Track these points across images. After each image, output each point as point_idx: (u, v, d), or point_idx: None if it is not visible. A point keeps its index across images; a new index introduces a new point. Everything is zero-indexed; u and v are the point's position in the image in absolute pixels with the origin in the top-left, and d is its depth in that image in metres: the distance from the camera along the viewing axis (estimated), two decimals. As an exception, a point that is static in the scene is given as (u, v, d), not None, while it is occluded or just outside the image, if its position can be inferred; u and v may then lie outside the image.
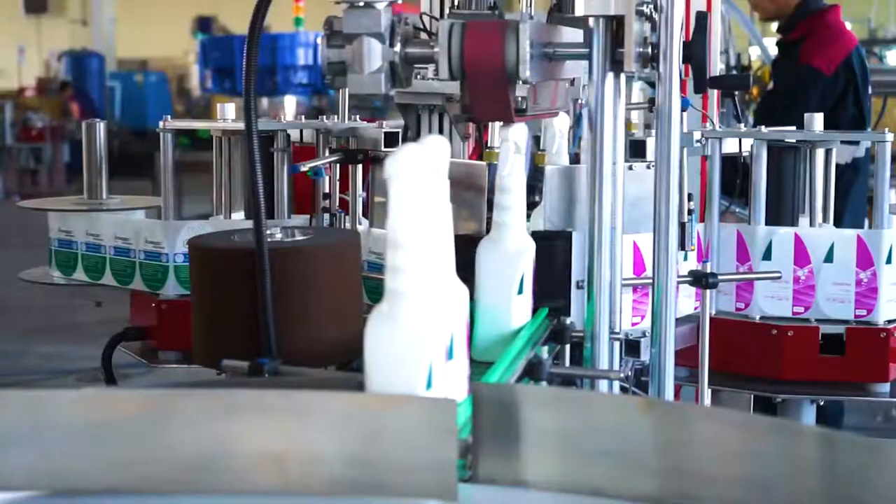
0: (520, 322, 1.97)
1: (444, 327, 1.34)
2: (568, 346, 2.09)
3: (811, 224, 2.77)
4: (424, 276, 1.30)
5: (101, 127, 3.04)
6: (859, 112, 4.48)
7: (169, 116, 2.94)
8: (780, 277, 2.66)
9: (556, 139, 2.68)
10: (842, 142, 3.14)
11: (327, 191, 2.92)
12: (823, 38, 4.51)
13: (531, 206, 2.46)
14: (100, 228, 2.92)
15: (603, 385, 2.07)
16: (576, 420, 1.22)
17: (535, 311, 2.08)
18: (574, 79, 2.47)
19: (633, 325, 2.51)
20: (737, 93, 3.25)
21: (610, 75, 2.01)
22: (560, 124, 2.67)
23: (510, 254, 1.96)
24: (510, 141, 1.95)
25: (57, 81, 20.49)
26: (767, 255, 2.71)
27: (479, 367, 1.76)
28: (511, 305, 1.96)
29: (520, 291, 1.96)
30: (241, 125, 2.81)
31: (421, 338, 1.30)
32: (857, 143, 4.18)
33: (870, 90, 4.63)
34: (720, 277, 2.51)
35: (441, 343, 1.34)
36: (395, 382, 1.30)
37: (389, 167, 1.28)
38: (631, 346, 2.48)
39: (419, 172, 1.29)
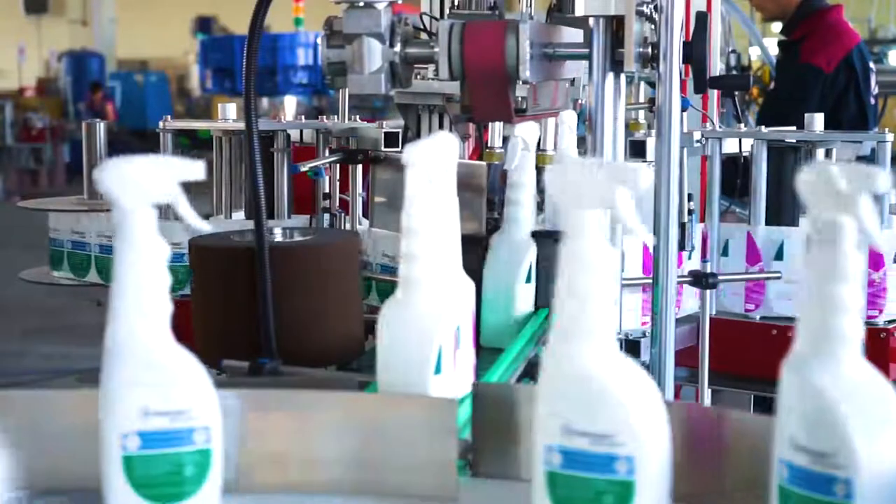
0: (524, 309, 2.02)
1: (453, 314, 1.34)
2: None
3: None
4: (437, 264, 1.31)
5: (101, 127, 3.04)
6: (861, 110, 4.48)
7: (169, 116, 2.94)
8: (780, 277, 2.66)
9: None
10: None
11: (327, 191, 2.92)
12: (824, 36, 4.51)
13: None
14: (100, 228, 2.92)
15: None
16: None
17: (536, 310, 2.07)
18: (574, 79, 2.47)
19: (643, 324, 2.51)
20: (737, 93, 3.25)
21: (610, 75, 2.01)
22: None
23: (521, 243, 2.03)
24: (518, 137, 2.03)
25: (59, 81, 20.48)
26: (779, 256, 2.71)
27: (487, 353, 1.80)
28: (517, 293, 1.99)
29: (528, 280, 2.02)
30: (241, 125, 2.81)
31: (432, 321, 1.30)
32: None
33: (872, 88, 4.62)
34: (720, 277, 2.51)
35: (450, 328, 1.34)
36: (406, 367, 1.29)
37: (408, 156, 1.28)
38: (631, 346, 2.48)
39: (436, 162, 1.29)
